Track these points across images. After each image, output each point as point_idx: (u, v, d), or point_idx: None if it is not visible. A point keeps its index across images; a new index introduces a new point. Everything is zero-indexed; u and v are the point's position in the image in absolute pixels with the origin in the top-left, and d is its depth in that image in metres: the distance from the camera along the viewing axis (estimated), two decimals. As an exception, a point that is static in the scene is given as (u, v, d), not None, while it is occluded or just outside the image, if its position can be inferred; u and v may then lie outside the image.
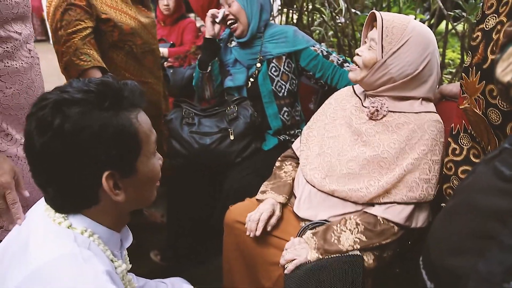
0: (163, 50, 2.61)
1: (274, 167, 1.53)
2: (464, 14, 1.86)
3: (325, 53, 1.76)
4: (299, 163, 1.46)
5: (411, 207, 1.19)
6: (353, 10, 2.50)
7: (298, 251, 1.17)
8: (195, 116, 1.81)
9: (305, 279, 1.10)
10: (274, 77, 1.77)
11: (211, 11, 1.76)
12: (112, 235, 0.80)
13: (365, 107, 1.32)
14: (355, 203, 1.24)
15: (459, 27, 2.16)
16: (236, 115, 1.77)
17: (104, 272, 0.68)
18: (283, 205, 1.39)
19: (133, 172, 0.75)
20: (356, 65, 1.29)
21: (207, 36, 1.80)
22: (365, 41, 1.30)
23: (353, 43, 2.49)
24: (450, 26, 1.97)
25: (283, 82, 1.77)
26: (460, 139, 1.08)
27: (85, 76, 1.46)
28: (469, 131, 1.05)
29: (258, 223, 1.27)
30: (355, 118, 1.33)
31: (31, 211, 0.82)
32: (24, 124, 0.72)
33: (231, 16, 1.72)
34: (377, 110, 1.26)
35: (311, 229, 1.26)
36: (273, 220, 1.31)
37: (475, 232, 0.61)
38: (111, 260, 0.77)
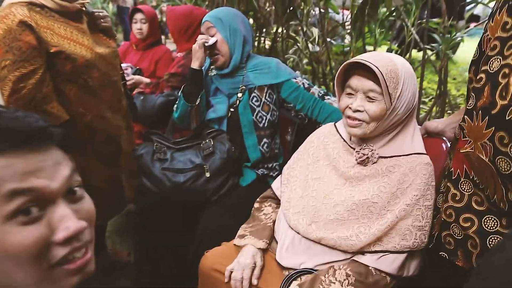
0: (143, 79, 2.44)
1: (253, 209, 1.42)
2: (441, 47, 1.84)
3: (306, 85, 1.70)
4: (279, 204, 1.36)
5: (404, 255, 1.12)
6: (328, 39, 2.46)
7: None
8: (167, 150, 1.67)
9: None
10: (255, 107, 1.67)
11: (202, 37, 1.61)
12: None
13: (353, 148, 1.23)
14: (344, 251, 1.15)
15: (433, 57, 2.16)
16: (212, 150, 1.64)
17: None
18: (264, 251, 1.28)
19: None
20: (357, 120, 1.15)
21: (195, 66, 1.64)
22: (351, 92, 1.16)
23: (327, 71, 2.44)
24: (418, 57, 1.94)
25: (264, 113, 1.68)
26: (461, 185, 1.00)
27: None
28: (471, 177, 0.97)
29: (242, 282, 1.16)
30: (342, 161, 1.23)
31: None
32: None
33: (214, 50, 1.63)
34: (368, 158, 1.18)
35: (295, 279, 1.16)
36: (256, 272, 1.20)
37: None
38: None
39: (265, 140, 1.71)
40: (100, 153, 1.57)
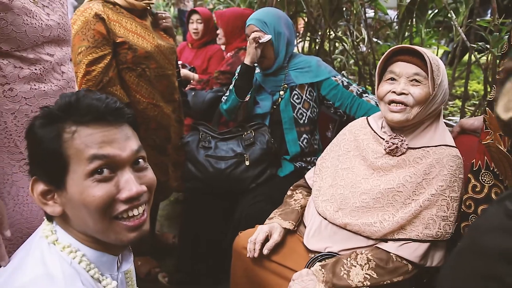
0: (193, 75, 2.63)
1: (285, 196, 1.50)
2: (487, 46, 1.80)
3: (345, 84, 1.76)
4: (310, 193, 1.43)
5: (426, 245, 1.13)
6: (374, 40, 2.48)
7: (306, 282, 1.13)
8: (211, 139, 1.81)
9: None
10: (296, 104, 1.77)
11: (254, 34, 1.69)
12: (102, 256, 0.76)
13: (383, 139, 1.26)
14: (368, 237, 1.19)
15: (483, 59, 2.10)
16: (253, 140, 1.75)
17: None
18: (290, 232, 1.35)
19: (62, 187, 0.70)
20: (402, 104, 1.18)
21: (247, 62, 1.74)
22: (393, 77, 1.21)
23: (374, 72, 2.45)
24: (473, 58, 1.91)
25: (304, 110, 1.77)
26: (481, 176, 1.02)
27: None
28: (491, 168, 0.99)
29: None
30: (371, 152, 1.27)
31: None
32: None
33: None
34: (397, 147, 1.21)
35: (320, 261, 1.22)
36: (269, 243, 1.27)
37: (481, 272, 0.59)
38: (98, 279, 0.74)
39: (305, 135, 1.79)
40: (151, 139, 1.73)
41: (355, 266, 1.13)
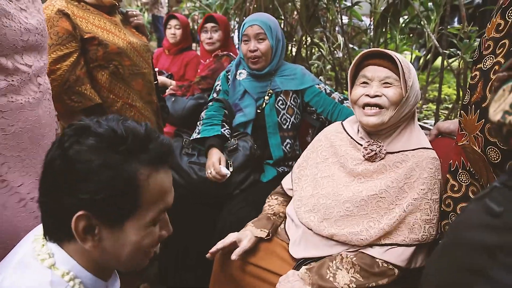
0: (170, 81, 2.62)
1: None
2: (459, 52, 1.90)
3: (328, 91, 1.83)
4: (286, 198, 1.44)
5: (412, 248, 1.15)
6: (350, 45, 2.56)
7: (292, 283, 1.14)
8: (195, 146, 1.81)
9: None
10: (281, 110, 1.81)
11: (219, 176, 1.65)
12: (96, 282, 0.74)
13: (360, 144, 1.27)
14: (354, 245, 1.19)
15: (455, 64, 2.21)
16: (236, 147, 1.77)
17: None
18: (271, 238, 1.35)
19: (117, 228, 0.67)
20: (377, 107, 1.20)
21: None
22: (366, 81, 1.23)
23: (351, 77, 2.54)
24: (445, 63, 2.01)
25: (288, 115, 1.82)
26: (459, 176, 1.08)
27: (72, 117, 1.43)
28: (467, 168, 1.05)
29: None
30: (350, 159, 1.28)
31: (22, 240, 0.77)
32: (27, 168, 0.70)
33: (258, 53, 1.75)
34: (376, 154, 1.22)
35: (305, 264, 1.23)
36: (238, 250, 1.26)
37: (465, 267, 0.63)
38: None
39: (288, 140, 1.83)
40: None
41: (340, 270, 1.14)
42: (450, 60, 2.14)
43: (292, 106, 1.81)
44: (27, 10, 1.01)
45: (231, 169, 1.72)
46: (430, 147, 1.25)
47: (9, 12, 0.92)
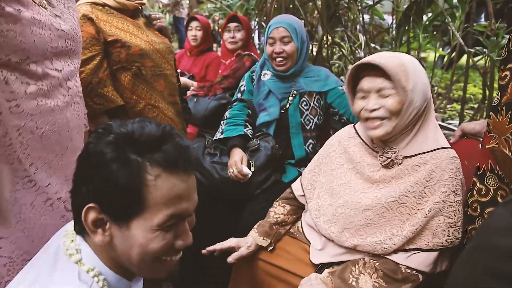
0: (191, 82, 2.64)
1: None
2: (485, 50, 1.84)
3: None
4: (295, 206, 1.40)
5: (436, 253, 1.11)
6: (372, 45, 2.52)
7: (314, 286, 1.13)
8: (217, 146, 1.84)
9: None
10: (304, 110, 1.82)
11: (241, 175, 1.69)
12: (120, 280, 0.75)
13: (376, 151, 1.23)
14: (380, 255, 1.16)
15: (481, 63, 2.14)
16: (257, 147, 1.78)
17: None
18: (293, 239, 1.35)
19: (123, 224, 0.68)
20: (378, 119, 1.15)
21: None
22: (364, 95, 1.18)
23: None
24: (471, 62, 1.95)
25: (311, 116, 1.83)
26: (486, 179, 1.05)
27: (95, 119, 1.45)
28: (496, 172, 1.02)
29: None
30: (366, 165, 1.23)
31: (55, 235, 0.80)
32: (55, 169, 0.71)
33: (284, 54, 1.77)
34: (392, 161, 1.18)
35: (328, 267, 1.21)
36: (235, 254, 1.29)
37: (490, 272, 0.61)
38: None
39: (310, 141, 1.83)
40: None
41: (363, 274, 1.12)
42: (476, 59, 2.08)
43: (316, 107, 1.82)
44: (62, 16, 1.04)
45: (252, 169, 1.73)
46: (448, 145, 1.18)
47: (40, 20, 0.94)
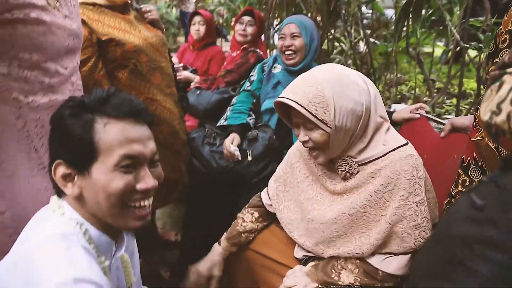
0: (194, 76, 2.66)
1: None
2: (480, 45, 1.84)
3: None
4: (262, 213, 1.39)
5: (408, 256, 1.10)
6: (371, 40, 2.52)
7: (298, 278, 1.16)
8: (217, 136, 1.87)
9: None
10: None
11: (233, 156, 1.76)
12: (101, 235, 0.81)
13: (333, 163, 1.18)
14: None
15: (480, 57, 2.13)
16: (256, 137, 1.81)
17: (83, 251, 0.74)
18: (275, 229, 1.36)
19: (85, 173, 0.76)
20: (314, 149, 1.14)
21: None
22: (297, 127, 1.15)
23: (371, 72, 2.50)
24: (467, 58, 1.95)
25: None
26: (471, 172, 1.06)
27: None
28: (479, 164, 1.03)
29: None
30: (328, 178, 1.20)
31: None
32: None
33: (293, 48, 1.83)
34: (348, 172, 1.14)
35: (312, 260, 1.24)
36: (213, 285, 1.33)
37: (446, 257, 0.64)
38: (96, 254, 0.79)
39: None
40: (154, 136, 1.71)
41: (345, 269, 1.14)
42: (473, 54, 2.08)
43: None
44: (70, 16, 1.09)
45: (250, 158, 1.76)
46: (401, 143, 1.11)
47: (57, 22, 1.01)
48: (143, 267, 1.90)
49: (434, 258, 0.68)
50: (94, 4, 1.53)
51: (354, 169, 1.13)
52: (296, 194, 1.28)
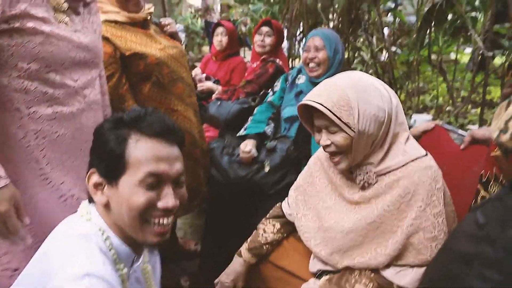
0: (216, 87, 2.68)
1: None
2: (506, 52, 1.77)
3: None
4: (285, 225, 1.38)
5: (423, 268, 1.06)
6: (393, 48, 2.47)
7: None
8: (236, 147, 1.88)
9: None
10: None
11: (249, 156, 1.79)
12: (122, 245, 0.84)
13: (351, 172, 1.18)
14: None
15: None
16: (274, 147, 1.81)
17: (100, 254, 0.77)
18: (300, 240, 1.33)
19: (113, 183, 0.80)
20: (336, 154, 1.13)
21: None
22: (318, 130, 1.15)
23: (393, 81, 2.45)
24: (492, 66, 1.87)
25: None
26: (490, 187, 1.02)
27: None
28: (499, 180, 0.99)
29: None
30: (346, 187, 1.20)
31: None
32: (69, 169, 0.88)
33: (316, 60, 1.83)
34: (366, 182, 1.13)
35: (326, 274, 1.21)
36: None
37: (447, 273, 0.63)
38: (115, 261, 0.82)
39: None
40: None
41: (359, 283, 1.11)
42: (500, 61, 2.00)
43: None
44: (82, 30, 1.12)
45: (267, 168, 1.76)
46: (421, 154, 1.11)
47: (59, 33, 1.03)
48: (163, 277, 1.94)
49: (438, 273, 0.67)
50: (116, 22, 1.57)
51: (373, 179, 1.12)
52: (314, 203, 1.27)
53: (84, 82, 1.13)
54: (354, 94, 1.07)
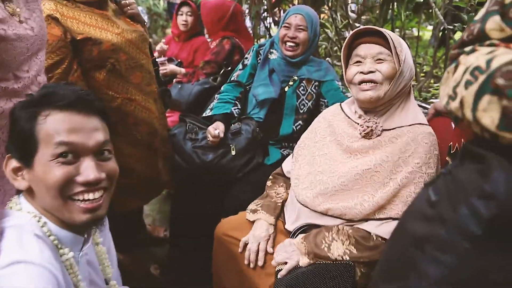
0: (179, 69, 2.57)
1: (266, 186, 1.46)
2: (464, 27, 1.76)
3: (343, 90, 1.86)
4: (289, 183, 1.40)
5: None
6: (357, 25, 2.43)
7: (289, 253, 1.14)
8: (199, 130, 1.79)
9: (296, 284, 1.06)
10: (301, 95, 1.82)
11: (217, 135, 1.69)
12: (61, 230, 0.79)
13: (357, 123, 1.24)
14: (349, 220, 1.17)
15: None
16: (239, 130, 1.74)
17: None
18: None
19: (30, 165, 0.76)
20: (372, 82, 1.17)
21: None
22: (359, 60, 1.20)
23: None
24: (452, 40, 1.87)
25: (306, 101, 1.83)
26: (457, 158, 1.00)
27: None
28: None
29: (257, 254, 1.22)
30: (346, 136, 1.25)
31: None
32: None
33: (296, 40, 1.76)
34: (372, 130, 1.20)
35: (302, 232, 1.22)
36: (271, 242, 1.26)
37: (402, 257, 0.58)
38: (56, 246, 0.77)
39: (300, 122, 1.81)
40: (132, 136, 1.59)
41: (336, 241, 1.13)
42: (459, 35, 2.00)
43: (312, 93, 1.82)
44: (31, 16, 1.04)
45: (233, 152, 1.69)
46: (426, 123, 1.20)
47: (19, 34, 0.98)
48: (132, 264, 1.87)
49: (392, 258, 0.63)
50: (69, 0, 1.40)
51: (379, 129, 1.19)
52: (310, 153, 1.32)
53: (36, 70, 1.08)
54: (403, 42, 1.20)
